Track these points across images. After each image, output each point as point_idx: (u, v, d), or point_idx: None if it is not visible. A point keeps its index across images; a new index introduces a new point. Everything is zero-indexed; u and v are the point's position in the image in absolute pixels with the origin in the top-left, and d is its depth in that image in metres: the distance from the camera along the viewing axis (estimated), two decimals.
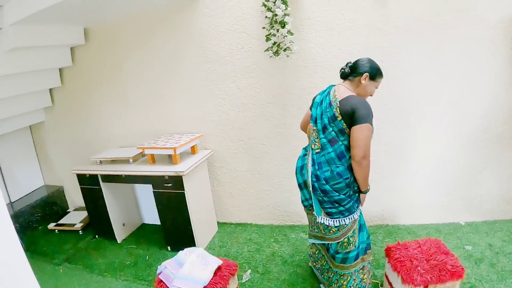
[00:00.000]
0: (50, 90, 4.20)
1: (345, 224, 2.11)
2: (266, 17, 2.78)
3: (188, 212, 3.15)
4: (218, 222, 3.81)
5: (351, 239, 2.16)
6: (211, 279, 2.15)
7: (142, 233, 3.89)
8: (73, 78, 4.03)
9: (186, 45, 3.41)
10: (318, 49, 3.03)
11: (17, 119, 4.09)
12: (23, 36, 3.14)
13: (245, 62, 3.24)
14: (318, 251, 2.50)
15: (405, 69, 2.97)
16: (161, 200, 3.25)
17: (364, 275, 2.29)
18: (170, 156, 3.39)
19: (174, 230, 3.31)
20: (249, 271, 2.89)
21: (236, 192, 3.72)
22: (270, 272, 2.85)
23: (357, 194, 2.14)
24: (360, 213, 2.23)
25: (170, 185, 3.12)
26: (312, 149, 2.17)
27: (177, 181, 3.08)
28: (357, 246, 2.20)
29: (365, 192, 2.13)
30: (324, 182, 2.05)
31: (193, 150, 3.49)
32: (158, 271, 2.29)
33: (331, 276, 2.33)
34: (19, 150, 4.47)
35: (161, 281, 2.19)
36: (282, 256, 3.06)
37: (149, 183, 3.24)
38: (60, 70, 4.03)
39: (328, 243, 2.26)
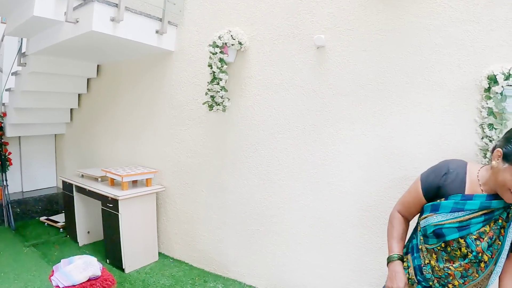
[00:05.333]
0: (71, 109, 5.19)
1: None
2: (210, 73, 3.21)
3: (120, 233, 3.59)
4: (160, 253, 4.11)
5: None
6: (82, 282, 2.64)
7: (101, 244, 4.40)
8: (87, 103, 4.96)
9: (159, 92, 4.02)
10: (255, 107, 3.21)
11: (44, 127, 5.14)
12: (42, 64, 4.15)
13: (197, 112, 3.66)
14: None
15: (337, 136, 2.79)
16: (104, 217, 3.77)
17: None
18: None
19: (110, 247, 3.78)
20: None
21: (179, 231, 4.00)
22: None
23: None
24: None
25: (111, 205, 3.64)
26: None
27: (116, 203, 3.58)
28: None
29: (388, 261, 1.74)
30: None
31: (147, 183, 3.95)
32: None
33: None
34: (43, 152, 5.53)
35: (53, 270, 2.80)
36: None
37: (99, 200, 3.81)
38: (79, 95, 5.00)
39: None
